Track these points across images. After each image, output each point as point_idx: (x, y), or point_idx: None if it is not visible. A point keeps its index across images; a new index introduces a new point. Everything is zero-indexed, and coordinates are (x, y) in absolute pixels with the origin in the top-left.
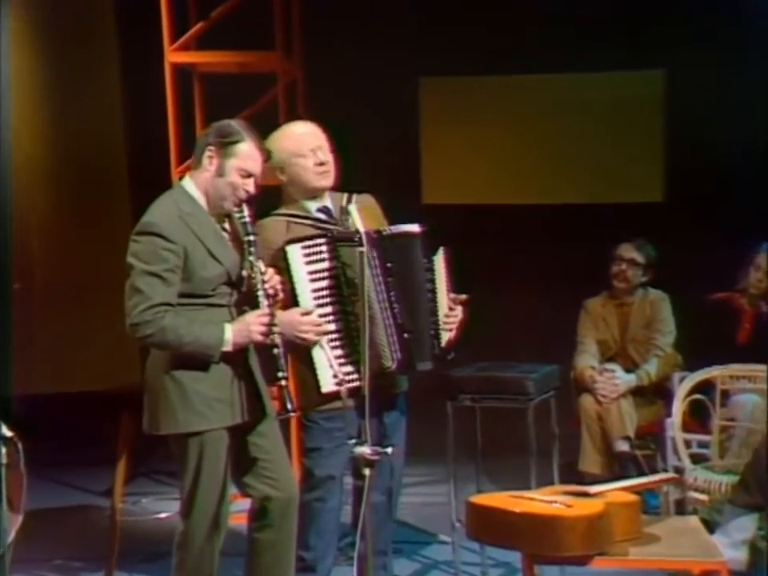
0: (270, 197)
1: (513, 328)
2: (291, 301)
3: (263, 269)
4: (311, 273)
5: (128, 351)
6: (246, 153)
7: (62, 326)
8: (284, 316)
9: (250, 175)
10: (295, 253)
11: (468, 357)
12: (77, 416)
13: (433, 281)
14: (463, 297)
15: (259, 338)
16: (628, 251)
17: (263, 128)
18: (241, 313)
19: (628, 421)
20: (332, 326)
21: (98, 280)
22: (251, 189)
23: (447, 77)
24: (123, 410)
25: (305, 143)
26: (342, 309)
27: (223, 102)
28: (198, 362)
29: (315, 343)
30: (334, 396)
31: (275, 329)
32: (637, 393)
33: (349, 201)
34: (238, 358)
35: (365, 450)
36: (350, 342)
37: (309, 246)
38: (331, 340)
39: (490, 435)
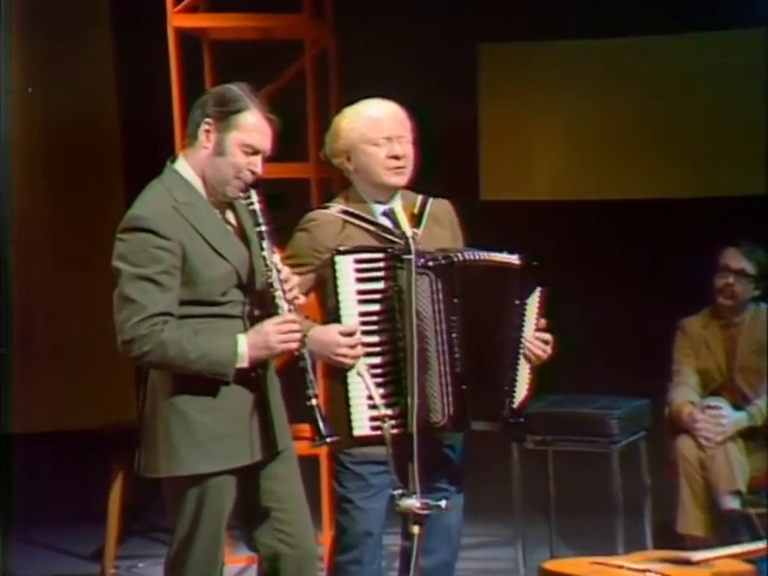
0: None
1: (591, 351)
2: (334, 319)
3: (279, 266)
4: (361, 292)
5: (120, 380)
6: (251, 124)
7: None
8: (319, 333)
9: (256, 152)
10: (346, 265)
11: (536, 388)
12: (60, 460)
13: (520, 327)
14: (543, 322)
15: (281, 347)
16: (735, 260)
17: (287, 107)
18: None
19: (738, 470)
20: (376, 359)
21: (85, 287)
22: (258, 169)
23: (512, 43)
24: (114, 452)
25: (381, 129)
26: (391, 340)
27: (238, 76)
28: (206, 385)
29: (352, 368)
30: (369, 441)
31: (297, 335)
32: (748, 435)
33: (423, 206)
34: (254, 380)
35: (412, 502)
36: (395, 380)
37: (363, 261)
38: (373, 375)
39: (566, 486)
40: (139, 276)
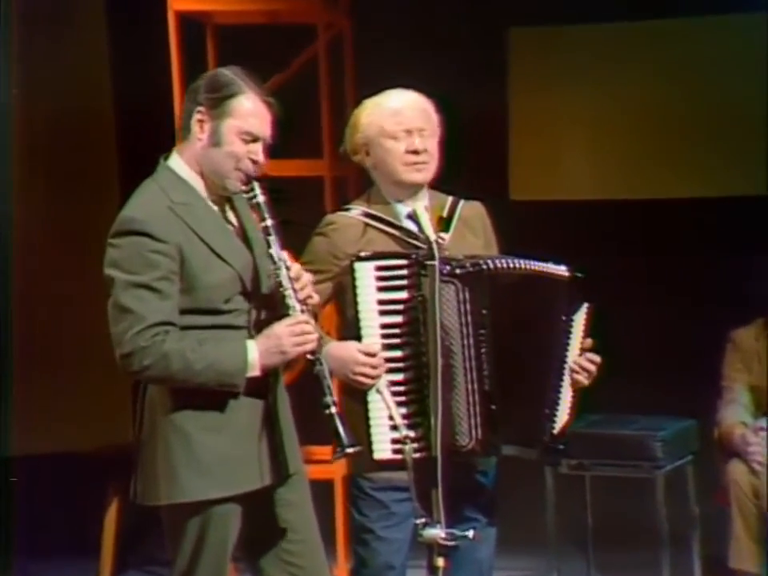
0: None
1: (631, 366)
2: (353, 331)
3: (289, 263)
4: (382, 302)
5: (116, 397)
6: (247, 109)
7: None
8: (337, 349)
9: (255, 139)
10: (366, 273)
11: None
12: (48, 486)
13: (566, 346)
14: (589, 341)
15: (294, 351)
16: None
17: (299, 99)
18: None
19: None
20: (397, 375)
21: (79, 292)
22: (259, 157)
23: (546, 27)
24: (109, 478)
25: (400, 121)
26: (414, 354)
27: (245, 64)
28: (210, 401)
29: (372, 387)
30: (390, 465)
31: (312, 337)
32: None
33: (453, 209)
34: (263, 395)
35: (436, 532)
36: (418, 399)
37: (384, 268)
38: (395, 393)
39: (605, 515)
40: (135, 283)
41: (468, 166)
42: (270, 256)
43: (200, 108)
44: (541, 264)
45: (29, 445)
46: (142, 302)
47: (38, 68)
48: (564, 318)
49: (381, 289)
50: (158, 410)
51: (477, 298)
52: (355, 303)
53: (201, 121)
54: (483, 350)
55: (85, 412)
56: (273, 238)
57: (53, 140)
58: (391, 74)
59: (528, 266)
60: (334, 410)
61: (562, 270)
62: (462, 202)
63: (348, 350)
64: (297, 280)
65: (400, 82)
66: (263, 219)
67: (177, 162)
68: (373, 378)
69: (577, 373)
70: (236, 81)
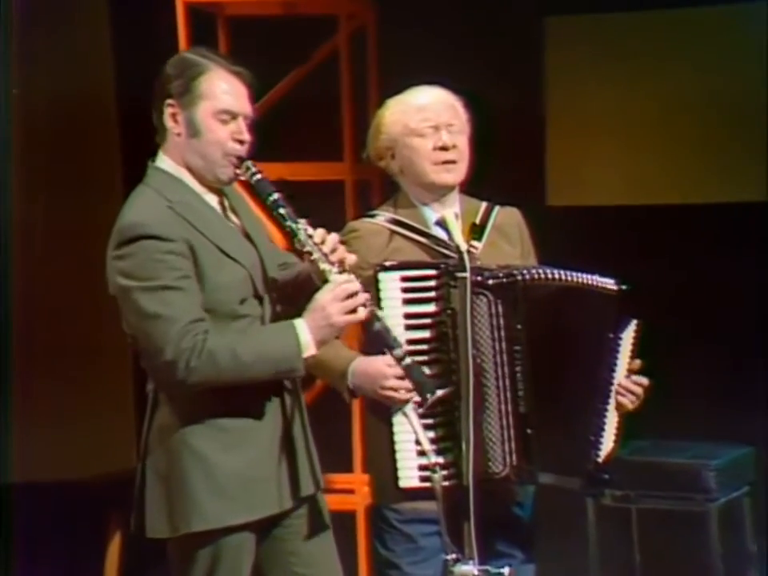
0: None
1: (681, 386)
2: (378, 347)
3: (310, 230)
4: (409, 316)
5: (119, 419)
6: (217, 87)
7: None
8: (363, 365)
9: (234, 116)
10: (391, 284)
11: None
12: (45, 516)
13: (612, 366)
14: (638, 362)
15: (345, 318)
16: None
17: (318, 95)
18: None
19: None
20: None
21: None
22: (245, 136)
23: (587, 16)
24: (111, 510)
25: (426, 117)
26: (444, 373)
27: (260, 58)
28: (227, 418)
29: (403, 404)
30: (418, 493)
31: (360, 298)
32: None
33: (486, 215)
34: (283, 412)
35: (468, 569)
36: (448, 422)
37: (411, 278)
38: (423, 416)
39: (653, 551)
40: (157, 287)
41: (501, 168)
42: (289, 229)
43: (169, 100)
44: (584, 275)
45: (24, 472)
46: (170, 304)
47: (38, 65)
48: (611, 335)
49: (407, 301)
50: (169, 431)
51: (511, 311)
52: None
53: (173, 114)
54: (518, 369)
55: (85, 436)
56: (285, 210)
57: (53, 139)
58: (418, 69)
59: (569, 278)
60: (409, 360)
61: (608, 282)
62: (496, 208)
63: (374, 364)
64: (323, 243)
65: (427, 78)
66: (268, 195)
67: (165, 162)
68: (402, 394)
69: (622, 396)
70: (199, 60)
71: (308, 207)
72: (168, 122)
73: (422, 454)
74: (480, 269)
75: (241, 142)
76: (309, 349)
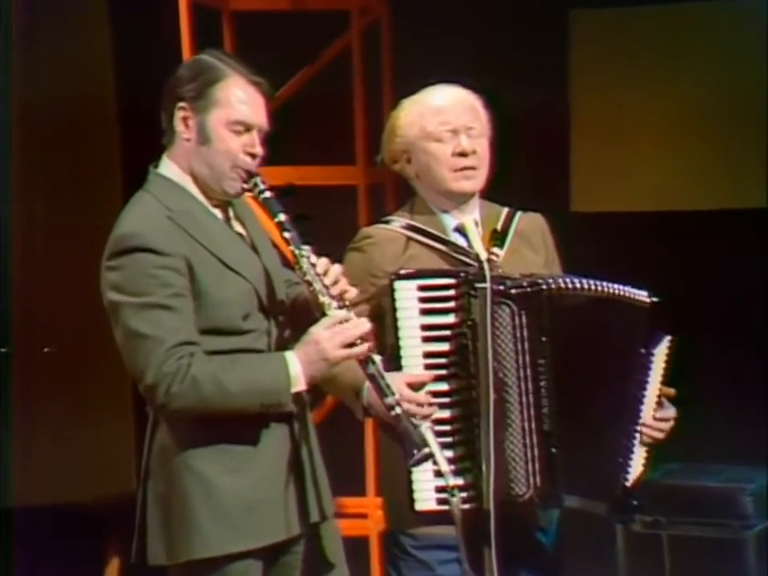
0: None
1: (715, 404)
2: (393, 361)
3: (313, 258)
4: (426, 327)
5: (118, 440)
6: (234, 96)
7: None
8: None
9: (249, 128)
10: (407, 293)
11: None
12: (38, 542)
13: (643, 385)
14: (671, 390)
15: (340, 354)
16: None
17: (329, 95)
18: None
19: None
20: (443, 412)
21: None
22: (257, 150)
23: (614, 9)
24: (109, 536)
25: (445, 120)
26: (463, 388)
27: (267, 56)
28: (231, 439)
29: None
30: (435, 517)
31: (356, 333)
32: None
33: (508, 222)
34: (289, 432)
35: None
36: (467, 440)
37: (429, 288)
38: (440, 433)
39: None
40: (146, 305)
41: (523, 171)
42: (292, 253)
43: (181, 103)
44: (614, 286)
45: (22, 496)
46: (158, 323)
47: (35, 63)
48: (643, 350)
49: (424, 312)
50: (170, 452)
51: (535, 322)
52: (395, 328)
53: (184, 117)
54: (542, 384)
55: (83, 457)
56: (290, 234)
57: (50, 139)
58: (435, 67)
59: (598, 288)
60: (399, 410)
61: (641, 295)
62: (519, 214)
63: (392, 381)
64: (325, 274)
65: (445, 76)
66: (274, 215)
67: (168, 168)
68: (419, 416)
69: (649, 431)
70: (218, 65)
71: (318, 214)
72: (178, 126)
73: (438, 474)
74: (502, 277)
75: (252, 156)
76: (298, 383)
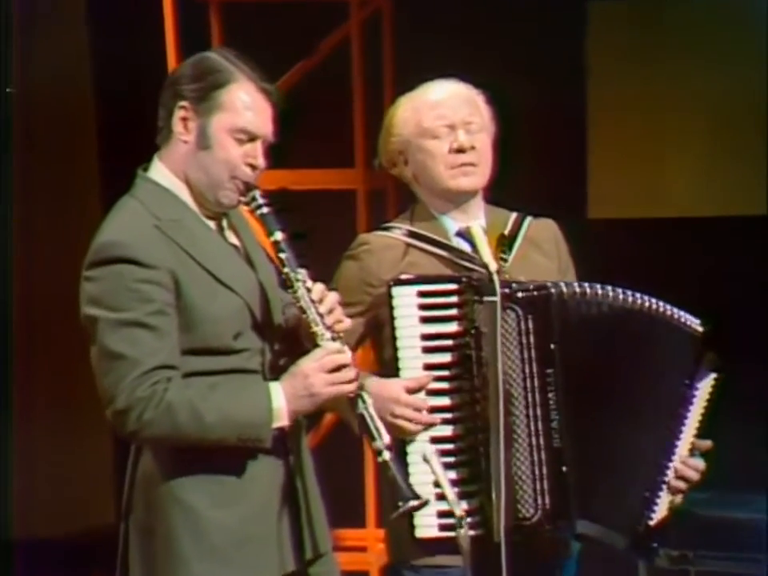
0: None
1: (746, 430)
2: (392, 372)
3: (309, 283)
4: (427, 337)
5: (98, 471)
6: (241, 101)
7: None
8: (376, 387)
9: (253, 137)
10: (406, 299)
11: None
12: None
13: (682, 419)
14: (708, 443)
15: (328, 391)
16: None
17: (326, 91)
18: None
19: None
20: (445, 429)
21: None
22: (260, 161)
23: (632, 0)
24: (94, 568)
25: (441, 114)
26: (467, 403)
27: (259, 50)
28: (220, 469)
29: (413, 441)
30: (439, 545)
31: (349, 373)
32: None
33: (516, 226)
34: (284, 460)
35: None
36: (472, 461)
37: (430, 294)
38: (442, 453)
39: None
40: (124, 322)
41: (535, 176)
42: (286, 276)
43: (183, 102)
44: (651, 300)
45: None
46: (135, 343)
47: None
48: (686, 382)
49: (425, 320)
50: (155, 482)
51: (543, 328)
52: (394, 338)
53: (184, 118)
54: (551, 395)
55: (64, 489)
56: (286, 255)
57: (26, 139)
58: (440, 62)
59: (626, 299)
60: (388, 455)
61: (691, 320)
62: (529, 219)
63: (389, 387)
64: (321, 302)
65: (451, 71)
66: (272, 233)
67: (159, 172)
68: (417, 423)
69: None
70: (226, 66)
71: (313, 220)
72: (177, 126)
73: (441, 497)
74: (507, 281)
75: (253, 167)
76: (280, 418)
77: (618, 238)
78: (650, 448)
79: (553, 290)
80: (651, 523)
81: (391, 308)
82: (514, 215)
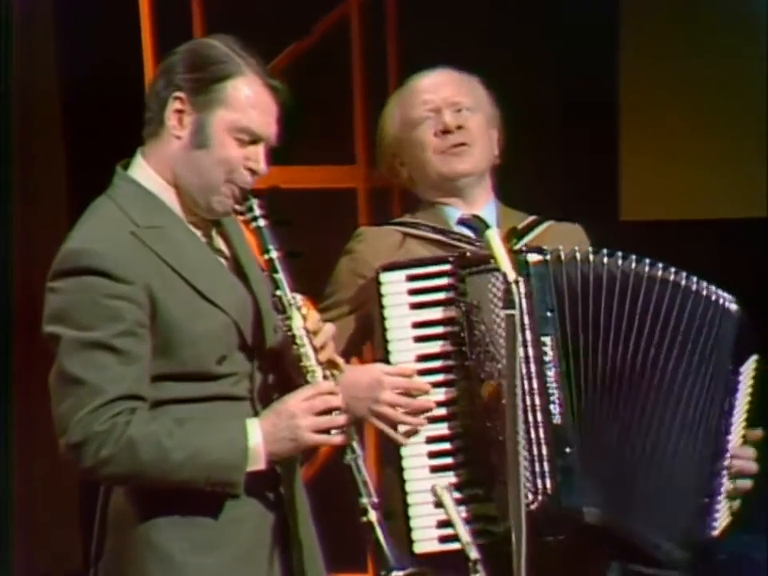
0: None
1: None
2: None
3: (304, 310)
4: (419, 324)
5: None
6: (245, 97)
7: None
8: (354, 374)
9: (256, 139)
10: (395, 286)
11: None
12: None
13: (730, 411)
14: (759, 432)
15: (313, 438)
16: None
17: (322, 79)
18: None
19: None
20: (439, 427)
21: None
22: (261, 166)
23: None
24: None
25: (425, 98)
26: (464, 394)
27: (247, 31)
28: (199, 508)
29: (407, 436)
30: (439, 561)
31: (340, 419)
32: None
33: (532, 224)
34: (274, 497)
35: None
36: (473, 461)
37: (419, 277)
38: (437, 454)
39: None
40: (87, 342)
41: (563, 176)
42: (279, 299)
43: (178, 93)
44: (668, 268)
45: None
46: (98, 368)
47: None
48: (731, 368)
49: (416, 305)
50: (126, 523)
51: (537, 293)
52: (383, 329)
53: (179, 111)
54: (549, 365)
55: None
56: (280, 276)
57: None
58: (451, 47)
59: (634, 266)
60: (374, 516)
61: (720, 295)
62: (549, 222)
63: (370, 371)
64: (315, 332)
65: (462, 58)
66: (266, 251)
67: (141, 170)
68: (401, 414)
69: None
70: (230, 57)
71: (310, 221)
72: (170, 119)
73: (438, 505)
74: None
75: (253, 172)
76: (256, 461)
77: (652, 241)
78: (697, 445)
79: (549, 254)
80: (715, 533)
81: (380, 295)
82: (532, 217)
